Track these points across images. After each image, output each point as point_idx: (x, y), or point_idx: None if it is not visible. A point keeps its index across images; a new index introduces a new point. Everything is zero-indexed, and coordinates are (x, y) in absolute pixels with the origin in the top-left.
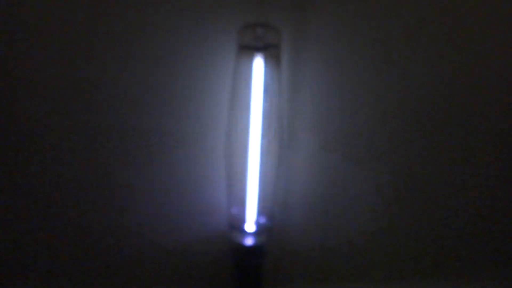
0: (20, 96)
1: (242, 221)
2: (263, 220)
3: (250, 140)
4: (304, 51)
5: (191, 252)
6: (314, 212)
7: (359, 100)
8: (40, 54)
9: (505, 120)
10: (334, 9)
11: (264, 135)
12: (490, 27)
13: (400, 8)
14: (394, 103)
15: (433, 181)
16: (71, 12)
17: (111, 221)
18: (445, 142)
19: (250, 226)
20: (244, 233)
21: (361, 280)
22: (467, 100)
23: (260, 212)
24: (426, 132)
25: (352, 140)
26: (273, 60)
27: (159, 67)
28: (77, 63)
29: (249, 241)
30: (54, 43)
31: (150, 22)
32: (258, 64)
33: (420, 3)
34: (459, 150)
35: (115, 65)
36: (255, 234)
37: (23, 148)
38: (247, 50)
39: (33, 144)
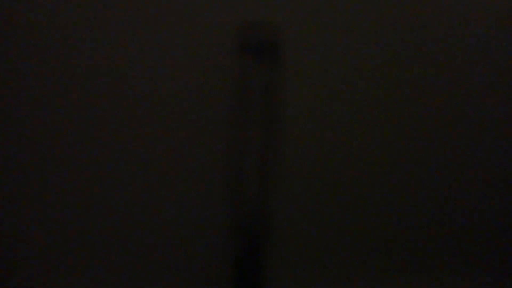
0: (19, 96)
1: (243, 219)
2: (262, 218)
3: (250, 139)
4: (304, 51)
5: (191, 252)
6: (314, 211)
7: (359, 99)
8: (40, 54)
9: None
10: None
11: (263, 134)
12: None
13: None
14: (394, 103)
15: (431, 180)
16: (71, 13)
17: (110, 221)
18: (443, 141)
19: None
20: (244, 232)
21: (360, 279)
22: (464, 105)
23: (260, 211)
24: (425, 131)
25: (352, 140)
26: (273, 59)
27: (158, 67)
28: (76, 63)
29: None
30: (54, 43)
31: (150, 22)
32: (258, 63)
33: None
34: (456, 150)
35: (114, 65)
36: (254, 231)
37: (22, 148)
38: (247, 49)
39: (33, 144)
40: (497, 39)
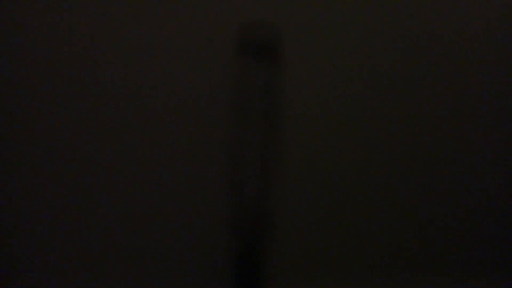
0: (20, 96)
1: (243, 218)
2: (262, 218)
3: (250, 139)
4: (304, 51)
5: (191, 251)
6: (313, 211)
7: (358, 99)
8: (40, 55)
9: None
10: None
11: (263, 134)
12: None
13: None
14: (394, 103)
15: (431, 181)
16: (71, 13)
17: (111, 221)
18: (442, 142)
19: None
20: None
21: (360, 278)
22: (463, 105)
23: (260, 211)
24: (425, 131)
25: (352, 139)
26: (273, 59)
27: (158, 67)
28: (75, 63)
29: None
30: (54, 44)
31: (150, 23)
32: (258, 63)
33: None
34: (455, 150)
35: (113, 65)
36: (254, 231)
37: (23, 148)
38: (247, 49)
39: (33, 144)
40: (497, 38)
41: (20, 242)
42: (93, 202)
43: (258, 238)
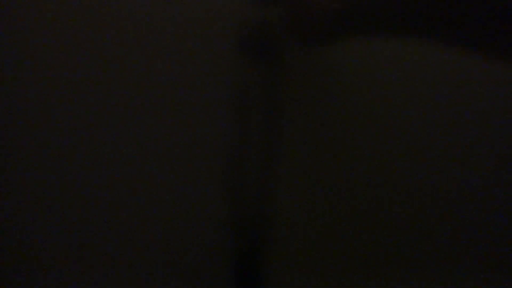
0: (20, 96)
1: (243, 219)
2: (263, 218)
3: (250, 139)
4: (305, 50)
5: (191, 251)
6: (314, 211)
7: (359, 99)
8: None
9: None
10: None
11: (263, 134)
12: None
13: None
14: (397, 103)
15: (432, 181)
16: (69, 12)
17: (109, 220)
18: (443, 143)
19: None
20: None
21: (362, 279)
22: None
23: (260, 211)
24: (425, 133)
25: (353, 139)
26: (272, 59)
27: (157, 67)
28: (74, 62)
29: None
30: (54, 43)
31: (149, 22)
32: (258, 63)
33: None
34: (455, 151)
35: (112, 65)
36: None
37: (23, 148)
38: (247, 49)
39: (33, 144)
40: None
41: (19, 242)
42: (92, 202)
43: (258, 238)
